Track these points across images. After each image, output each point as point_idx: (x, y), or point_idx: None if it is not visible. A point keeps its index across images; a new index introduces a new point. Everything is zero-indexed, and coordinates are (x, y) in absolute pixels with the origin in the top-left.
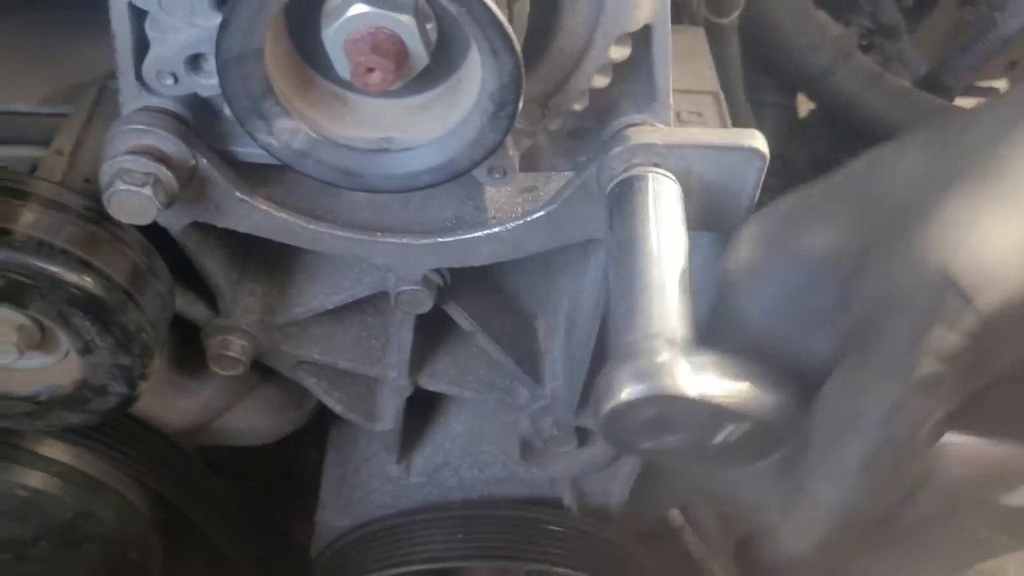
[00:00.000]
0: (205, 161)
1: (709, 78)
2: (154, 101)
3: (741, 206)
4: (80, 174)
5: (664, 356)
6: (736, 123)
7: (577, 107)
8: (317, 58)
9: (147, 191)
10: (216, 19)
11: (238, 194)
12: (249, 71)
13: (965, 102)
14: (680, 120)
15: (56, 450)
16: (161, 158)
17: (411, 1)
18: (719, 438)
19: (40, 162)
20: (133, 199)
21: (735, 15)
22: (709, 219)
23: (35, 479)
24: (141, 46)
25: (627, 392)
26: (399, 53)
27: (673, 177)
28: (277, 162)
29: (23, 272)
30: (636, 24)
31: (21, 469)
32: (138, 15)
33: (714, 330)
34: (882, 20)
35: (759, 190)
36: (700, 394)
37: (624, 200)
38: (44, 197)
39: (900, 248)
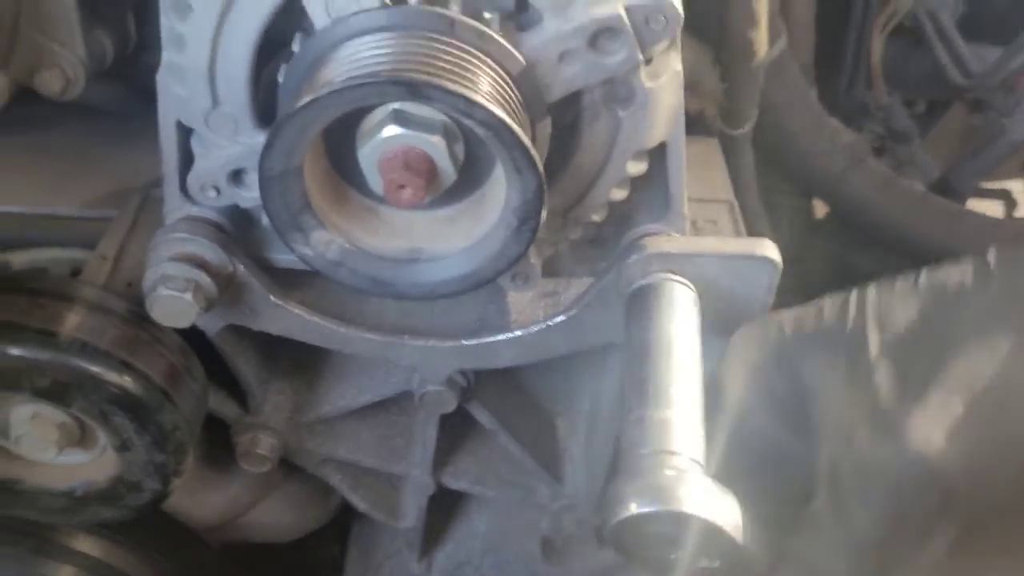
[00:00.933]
0: (242, 268)
1: (723, 187)
2: (196, 211)
3: (754, 311)
4: (123, 278)
5: (676, 474)
6: (751, 230)
7: (596, 218)
8: (351, 174)
9: (188, 296)
10: (258, 137)
11: (273, 299)
12: (289, 188)
13: (977, 204)
14: (696, 228)
15: (87, 545)
16: (202, 265)
17: (441, 123)
18: (709, 564)
19: (84, 266)
20: (175, 303)
21: (748, 126)
22: (723, 324)
23: (66, 573)
24: (186, 160)
25: (635, 507)
26: (429, 171)
27: (689, 284)
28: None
29: (67, 372)
30: (652, 142)
31: (52, 563)
32: (184, 132)
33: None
34: (894, 126)
35: (772, 296)
36: (708, 518)
37: (641, 307)
38: (88, 301)
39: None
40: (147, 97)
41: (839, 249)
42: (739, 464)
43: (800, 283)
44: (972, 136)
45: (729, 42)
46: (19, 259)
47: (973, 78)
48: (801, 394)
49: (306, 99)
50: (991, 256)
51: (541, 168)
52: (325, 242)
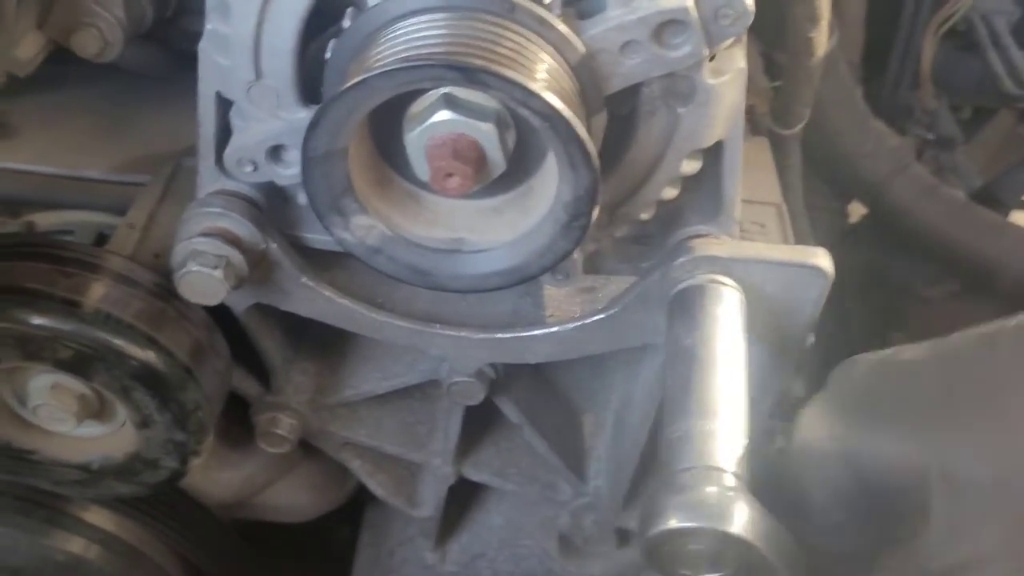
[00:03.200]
0: (275, 246)
1: (772, 189)
2: (230, 185)
3: (802, 321)
4: (151, 249)
5: (720, 491)
6: (796, 232)
7: (644, 216)
8: (395, 158)
9: (218, 273)
10: (300, 113)
11: (304, 279)
12: (332, 169)
13: (1019, 216)
14: (742, 230)
15: (99, 517)
16: (233, 241)
17: (493, 110)
18: None
19: (113, 234)
20: (204, 280)
21: (799, 127)
22: (769, 333)
23: (76, 545)
24: (223, 132)
25: (676, 522)
26: (478, 160)
27: (737, 288)
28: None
29: (90, 344)
30: (710, 140)
31: (63, 534)
32: (224, 104)
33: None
34: (939, 131)
35: (820, 307)
36: (753, 538)
37: (686, 309)
38: (115, 271)
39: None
40: (183, 62)
41: (874, 254)
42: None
43: (834, 288)
44: (1015, 145)
45: (789, 40)
46: (45, 220)
47: None
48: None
49: (356, 79)
50: None
51: (597, 164)
52: (365, 227)
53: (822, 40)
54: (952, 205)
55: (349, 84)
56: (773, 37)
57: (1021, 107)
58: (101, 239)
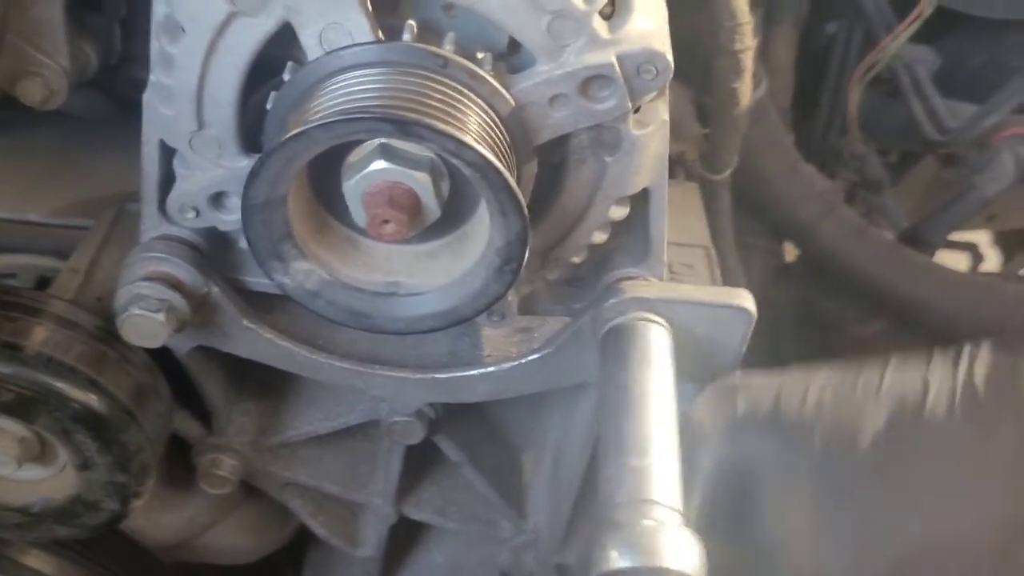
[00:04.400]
0: (217, 290)
1: (701, 233)
2: (172, 230)
3: (728, 360)
4: (93, 292)
5: (657, 526)
6: (724, 273)
7: (576, 259)
8: (333, 204)
9: (160, 316)
10: (242, 162)
11: (245, 322)
12: (272, 216)
13: (944, 255)
14: (672, 272)
15: (38, 561)
16: (176, 285)
17: (428, 160)
18: None
19: (55, 278)
20: (146, 324)
21: (728, 172)
22: (697, 371)
23: None
24: (166, 179)
25: (617, 561)
26: (413, 207)
27: (666, 326)
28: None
29: (31, 387)
30: (636, 188)
31: None
32: (167, 151)
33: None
34: (867, 174)
35: (745, 345)
36: (692, 571)
37: (617, 348)
38: (56, 315)
39: None
40: (125, 108)
41: (807, 293)
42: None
43: (768, 326)
44: (941, 187)
45: (715, 90)
46: None
47: (947, 134)
48: (746, 476)
49: (296, 130)
50: (962, 365)
51: (526, 211)
52: (304, 272)
53: (746, 91)
54: (880, 246)
55: (289, 135)
56: (704, 83)
57: (944, 152)
58: (43, 283)
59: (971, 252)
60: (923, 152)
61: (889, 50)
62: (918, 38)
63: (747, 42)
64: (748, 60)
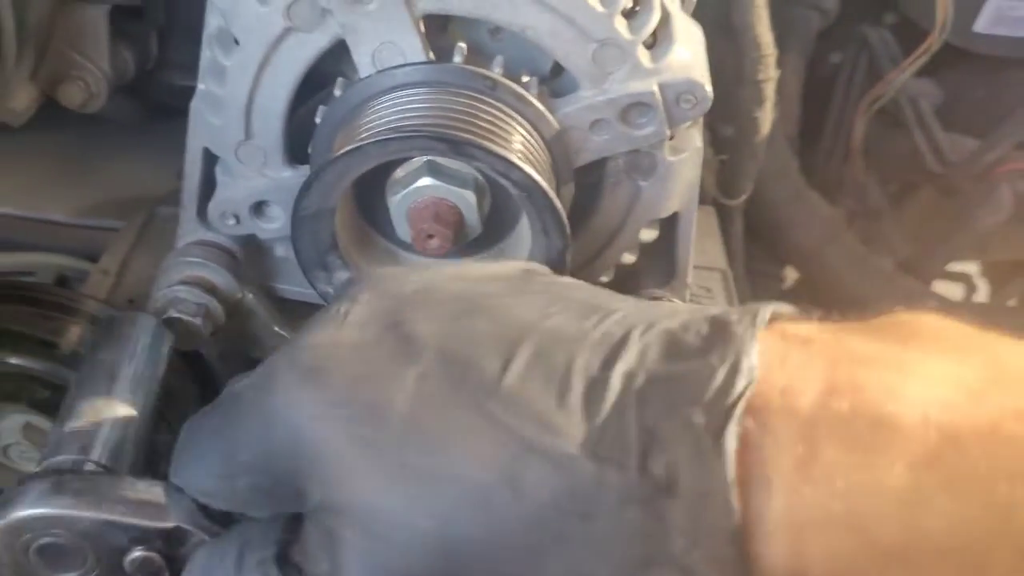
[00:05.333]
0: (251, 296)
1: (718, 256)
2: (209, 236)
3: None
4: (125, 294)
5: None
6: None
7: (604, 278)
8: (374, 217)
9: (197, 320)
10: (285, 172)
11: (276, 328)
12: (320, 227)
13: (939, 285)
14: (691, 294)
15: None
16: (212, 290)
17: (472, 178)
18: (131, 557)
19: (74, 277)
20: (183, 327)
21: (743, 198)
22: None
23: None
24: (207, 186)
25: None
26: (457, 223)
27: None
28: (315, 302)
29: (64, 385)
30: (667, 212)
31: None
32: (210, 159)
33: None
34: (868, 202)
35: None
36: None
37: None
38: (92, 315)
39: None
40: (157, 112)
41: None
42: None
43: None
44: (939, 217)
45: (736, 118)
46: (5, 261)
47: (949, 166)
48: None
49: (352, 145)
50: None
51: (568, 232)
52: (347, 282)
53: (767, 120)
54: (879, 275)
55: (345, 150)
56: (719, 111)
57: (944, 184)
58: (61, 281)
59: (965, 283)
60: (922, 182)
61: (895, 84)
62: (921, 71)
63: (770, 73)
64: (770, 90)
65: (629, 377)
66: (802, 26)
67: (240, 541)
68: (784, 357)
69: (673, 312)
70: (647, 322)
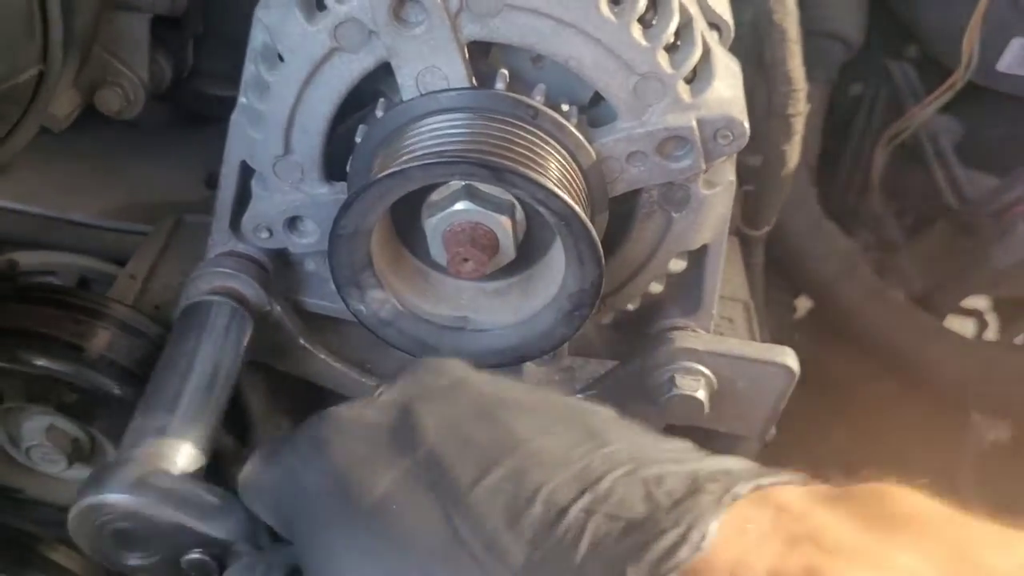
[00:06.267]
0: (279, 308)
1: (741, 287)
2: (240, 247)
3: (766, 414)
4: (151, 300)
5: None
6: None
7: (630, 306)
8: (408, 237)
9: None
10: (321, 189)
11: (302, 341)
12: (357, 246)
13: (951, 320)
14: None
15: (67, 558)
16: (241, 301)
17: (509, 203)
18: (189, 557)
19: (96, 278)
20: None
21: (766, 229)
22: (735, 423)
23: None
24: (241, 198)
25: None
26: (492, 247)
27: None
28: (340, 316)
29: (91, 389)
30: (697, 244)
31: (33, 573)
32: (246, 170)
33: None
34: (883, 235)
35: (784, 403)
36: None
37: None
38: (120, 320)
39: None
40: (186, 119)
41: (818, 348)
42: None
43: None
44: (954, 253)
45: (764, 151)
46: (28, 260)
47: (967, 203)
48: None
49: (394, 168)
50: None
51: (603, 261)
52: (380, 301)
53: (795, 153)
54: (894, 309)
55: (387, 172)
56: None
57: (960, 220)
58: (83, 283)
59: (976, 319)
60: (939, 217)
61: (917, 119)
62: (942, 107)
63: (800, 107)
64: (799, 125)
65: (588, 515)
66: (826, 57)
67: (264, 566)
68: (744, 530)
69: (665, 459)
70: (631, 466)
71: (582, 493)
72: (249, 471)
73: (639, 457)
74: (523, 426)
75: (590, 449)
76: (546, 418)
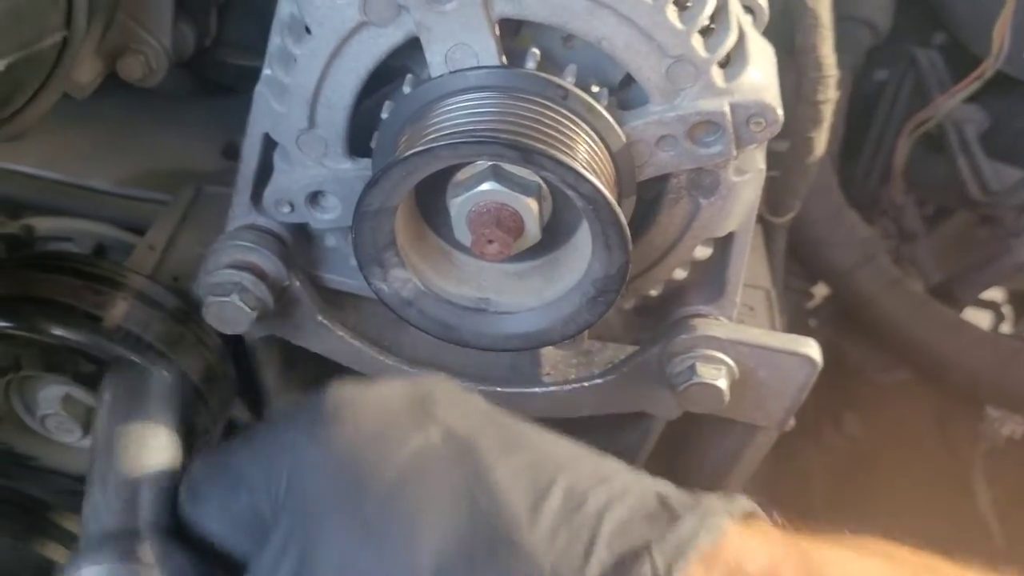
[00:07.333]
0: (298, 283)
1: (763, 274)
2: (261, 221)
3: (787, 404)
4: (169, 271)
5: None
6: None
7: (654, 292)
8: (431, 216)
9: (247, 305)
10: (345, 164)
11: (320, 317)
12: (381, 224)
13: (971, 314)
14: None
15: (77, 526)
16: (261, 275)
17: (535, 185)
18: None
19: (111, 245)
20: (231, 310)
21: (790, 216)
22: (754, 413)
23: (54, 551)
24: (263, 171)
25: None
26: (517, 229)
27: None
28: (359, 293)
29: (108, 359)
30: (724, 231)
31: (43, 540)
32: (268, 143)
33: None
34: (904, 224)
35: (806, 393)
36: None
37: None
38: (139, 291)
39: None
40: (208, 88)
41: (833, 336)
42: None
43: None
44: (974, 244)
45: (791, 138)
46: (44, 225)
47: (990, 195)
48: None
49: (422, 147)
50: None
51: (631, 247)
52: (402, 280)
53: (822, 140)
54: (912, 300)
55: (414, 151)
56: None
57: (983, 212)
58: (100, 250)
59: (994, 311)
60: (960, 208)
61: (943, 108)
62: (968, 97)
63: (830, 94)
64: (828, 111)
65: (608, 503)
66: (853, 42)
67: None
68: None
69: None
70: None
71: (599, 484)
72: (198, 473)
73: (604, 489)
74: (530, 431)
75: (595, 455)
76: (563, 441)
